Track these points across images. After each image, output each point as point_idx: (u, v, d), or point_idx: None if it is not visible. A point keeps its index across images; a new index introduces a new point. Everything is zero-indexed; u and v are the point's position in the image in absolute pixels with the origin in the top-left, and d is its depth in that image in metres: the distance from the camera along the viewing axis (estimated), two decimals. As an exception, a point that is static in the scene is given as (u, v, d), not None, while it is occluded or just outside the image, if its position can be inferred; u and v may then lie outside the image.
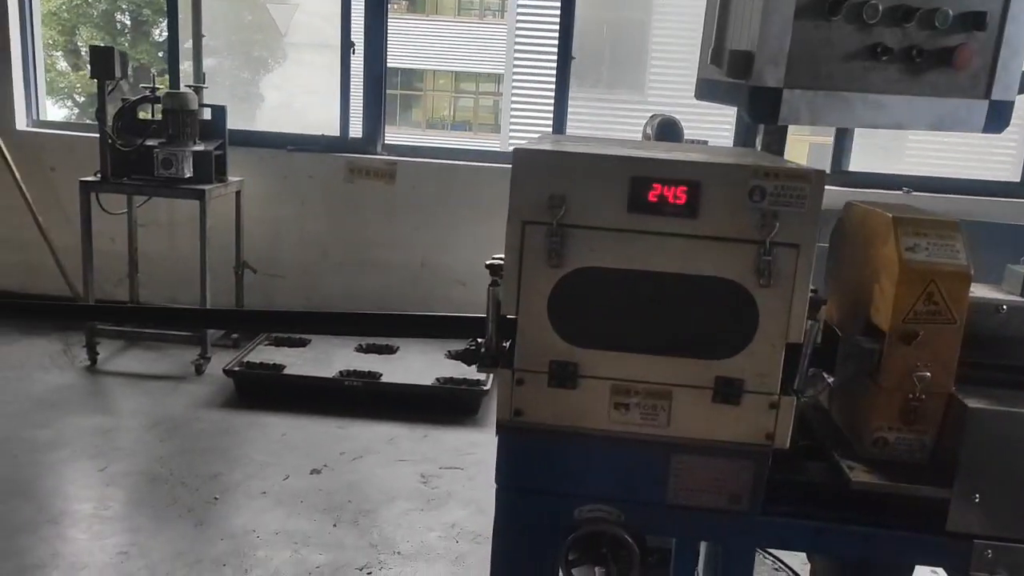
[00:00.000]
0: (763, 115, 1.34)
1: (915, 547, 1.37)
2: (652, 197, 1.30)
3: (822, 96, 1.33)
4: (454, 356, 4.59)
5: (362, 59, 5.36)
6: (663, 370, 1.35)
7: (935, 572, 1.62)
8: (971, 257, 1.36)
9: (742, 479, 1.37)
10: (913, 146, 6.89)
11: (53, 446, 3.75)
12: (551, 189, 1.32)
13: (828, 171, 5.17)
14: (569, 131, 5.48)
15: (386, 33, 5.33)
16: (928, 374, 1.36)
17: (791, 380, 1.38)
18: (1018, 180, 5.09)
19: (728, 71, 1.33)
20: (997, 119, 1.40)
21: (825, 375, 1.53)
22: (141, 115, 4.93)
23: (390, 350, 4.75)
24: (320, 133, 5.51)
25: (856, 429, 1.46)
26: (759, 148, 1.94)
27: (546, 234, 1.33)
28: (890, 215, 1.41)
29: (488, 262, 1.45)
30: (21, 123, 5.49)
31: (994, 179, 5.28)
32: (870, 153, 5.82)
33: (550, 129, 5.34)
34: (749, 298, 1.31)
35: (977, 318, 1.49)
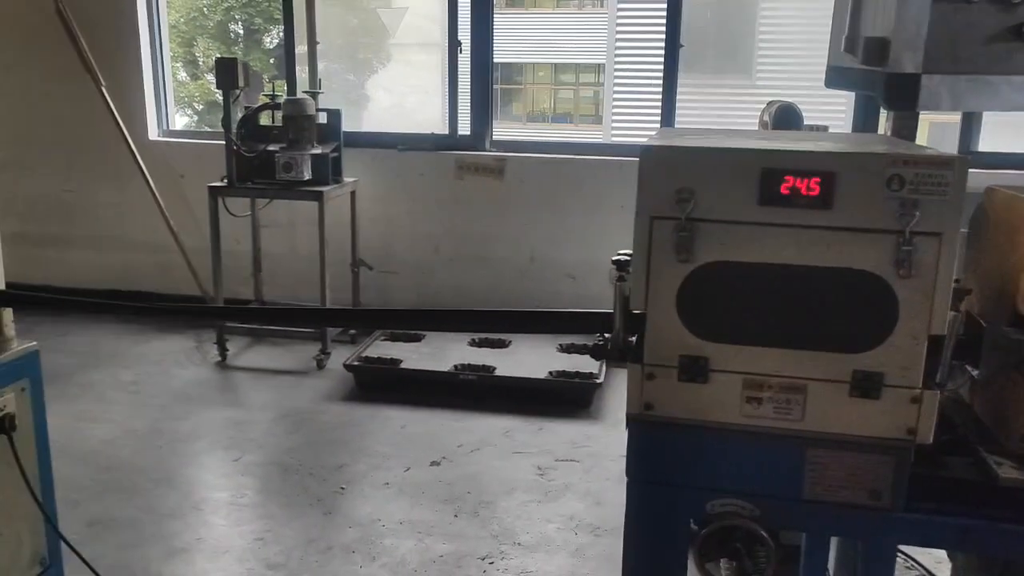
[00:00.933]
0: (901, 102, 1.30)
1: (1073, 547, 1.31)
2: (784, 189, 1.29)
3: (963, 80, 1.28)
4: (566, 349, 4.62)
5: (468, 57, 5.44)
6: (797, 364, 1.33)
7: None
8: None
9: (882, 475, 1.34)
10: (1045, 123, 6.46)
11: (192, 437, 3.98)
12: (679, 184, 1.32)
13: (956, 152, 4.93)
14: (677, 120, 5.41)
15: (492, 30, 5.39)
16: (1085, 366, 1.30)
17: (933, 373, 1.34)
18: None
19: (863, 58, 1.30)
20: None
21: (968, 367, 1.48)
22: (262, 121, 5.16)
23: (503, 344, 4.82)
24: (429, 132, 5.63)
25: (1003, 424, 1.40)
26: (887, 133, 1.88)
27: (674, 229, 1.33)
28: (1037, 201, 1.35)
29: (614, 257, 1.46)
30: (153, 133, 5.83)
31: None
32: (998, 132, 5.50)
33: (655, 118, 5.28)
34: (888, 290, 1.28)
35: None
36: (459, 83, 5.51)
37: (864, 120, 2.28)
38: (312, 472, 3.63)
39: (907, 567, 2.79)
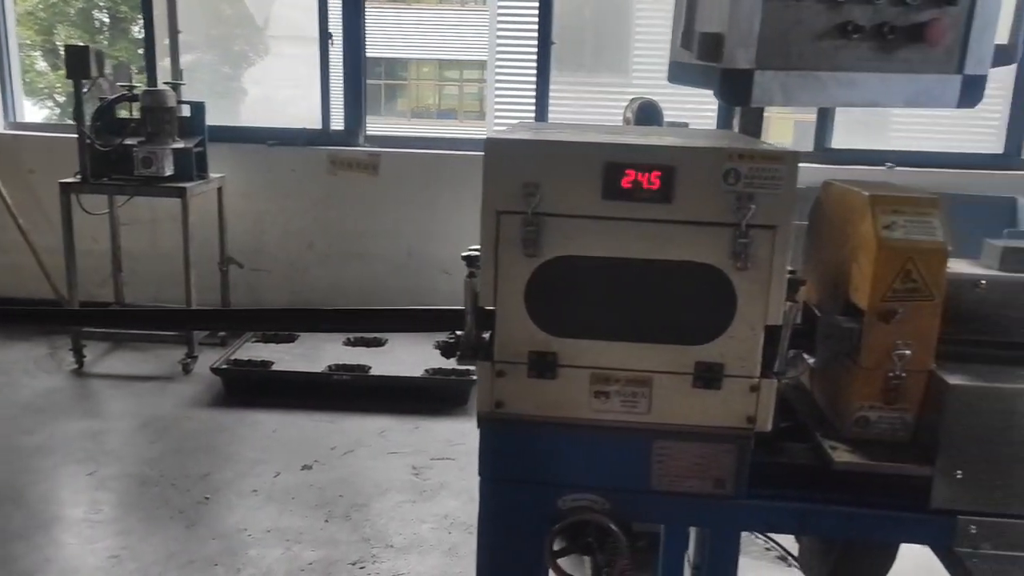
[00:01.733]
0: (735, 97, 1.33)
1: (899, 525, 1.37)
2: (626, 183, 1.29)
3: (794, 76, 1.32)
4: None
5: (341, 50, 5.32)
6: (642, 357, 1.34)
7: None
8: (948, 233, 1.35)
9: (725, 463, 1.37)
10: (897, 121, 6.88)
11: (42, 451, 3.72)
12: (524, 178, 1.31)
13: (812, 149, 5.18)
14: (552, 117, 5.45)
15: (363, 23, 5.29)
16: (908, 352, 1.36)
17: (771, 363, 1.38)
18: (1001, 152, 5.09)
19: (699, 54, 1.31)
20: (970, 93, 1.39)
21: (806, 356, 1.52)
22: (120, 114, 4.89)
23: (378, 343, 4.74)
24: (301, 127, 5.47)
25: (838, 409, 1.46)
26: (736, 130, 1.93)
27: (521, 223, 1.31)
28: (867, 194, 1.40)
29: (464, 253, 1.43)
30: (-2, 125, 5.44)
31: (978, 151, 5.28)
32: (853, 130, 5.81)
33: (533, 116, 5.31)
34: (727, 282, 1.30)
35: (956, 294, 1.48)
36: (332, 77, 5.38)
37: (727, 117, 2.34)
38: (174, 483, 3.46)
39: (766, 548, 2.90)
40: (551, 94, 5.34)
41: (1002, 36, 1.44)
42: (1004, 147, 5.09)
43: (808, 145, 5.19)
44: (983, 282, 1.50)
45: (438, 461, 3.68)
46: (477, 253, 1.38)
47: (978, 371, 1.38)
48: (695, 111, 5.53)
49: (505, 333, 1.36)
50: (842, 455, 1.37)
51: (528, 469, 1.41)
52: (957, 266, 1.56)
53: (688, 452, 1.37)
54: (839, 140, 5.21)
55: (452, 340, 1.47)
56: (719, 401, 1.34)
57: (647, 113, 2.94)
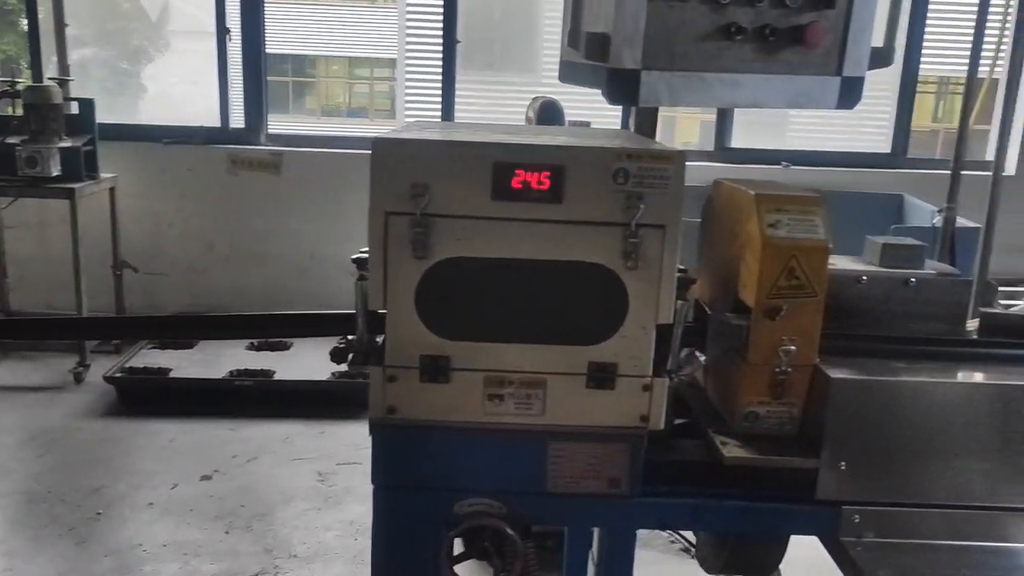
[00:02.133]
0: (623, 97, 1.33)
1: (788, 517, 1.40)
2: (516, 183, 1.28)
3: (680, 77, 1.33)
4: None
5: (239, 45, 5.17)
6: (536, 359, 1.33)
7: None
8: (830, 231, 1.39)
9: (620, 463, 1.37)
10: (794, 122, 7.10)
11: (-85, 470, 3.49)
12: (413, 178, 1.28)
13: (712, 148, 5.29)
14: (460, 115, 5.43)
15: (263, 17, 5.15)
16: (793, 348, 1.39)
17: (664, 361, 1.39)
18: (889, 151, 5.32)
19: (586, 53, 1.31)
20: (849, 95, 1.43)
21: (698, 354, 1.54)
22: (3, 112, 4.63)
23: (283, 346, 4.62)
24: (199, 124, 5.29)
25: (728, 405, 1.48)
26: (632, 129, 1.95)
27: (410, 225, 1.28)
28: (752, 192, 1.43)
29: (354, 256, 1.40)
30: None
31: (867, 151, 5.50)
32: (753, 130, 5.97)
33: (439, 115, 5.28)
34: (618, 281, 1.31)
35: (839, 289, 1.53)
36: (231, 73, 5.23)
37: (629, 116, 2.35)
38: (64, 498, 3.29)
39: (671, 541, 2.95)
40: (459, 93, 5.32)
41: (878, 39, 1.49)
42: (891, 147, 5.32)
43: (712, 144, 5.31)
44: (864, 278, 1.55)
45: (344, 466, 3.61)
46: (367, 255, 1.35)
47: (859, 365, 1.42)
48: (601, 110, 5.60)
49: (396, 337, 1.33)
50: (732, 450, 1.39)
51: (423, 475, 1.38)
52: (840, 262, 1.60)
53: (583, 453, 1.37)
54: (739, 140, 5.36)
55: (343, 345, 1.43)
56: (613, 401, 1.34)
57: (548, 112, 2.95)
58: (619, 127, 4.96)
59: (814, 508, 1.38)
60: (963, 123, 2.54)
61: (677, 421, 1.57)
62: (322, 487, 3.45)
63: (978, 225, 3.67)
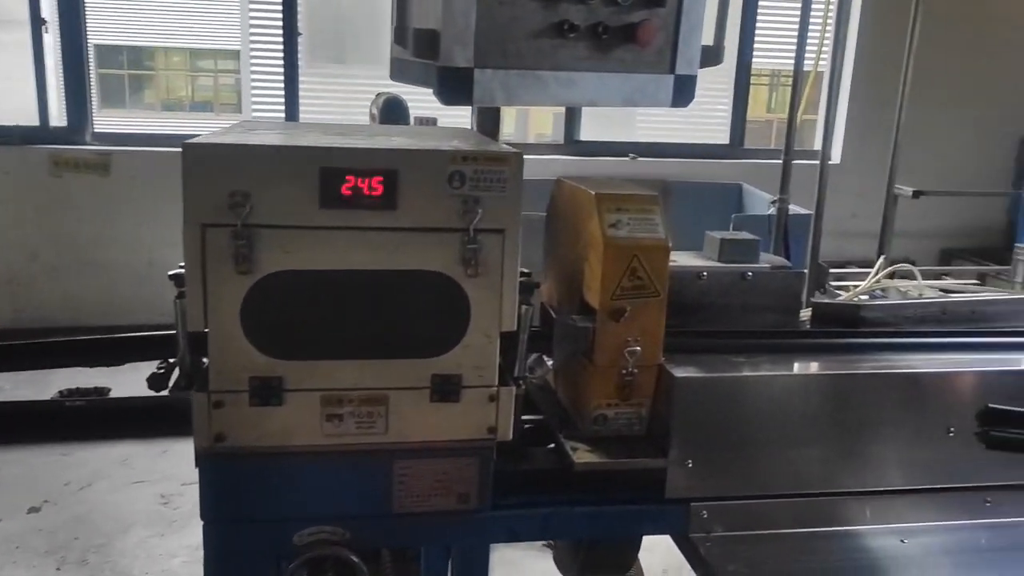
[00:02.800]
0: (456, 96, 1.27)
1: (638, 518, 1.40)
2: (345, 190, 1.20)
3: (515, 75, 1.28)
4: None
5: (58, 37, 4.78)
6: (376, 374, 1.26)
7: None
8: (669, 228, 1.39)
9: (468, 477, 1.32)
10: (642, 114, 7.28)
11: None
12: (231, 186, 1.18)
13: (562, 142, 5.34)
14: (306, 112, 5.25)
15: (83, 6, 4.77)
16: (638, 348, 1.38)
17: (510, 369, 1.35)
18: (727, 142, 5.55)
19: (414, 51, 1.25)
20: (683, 93, 1.43)
21: (546, 358, 1.52)
22: None
23: (120, 360, 4.30)
24: (15, 123, 4.85)
25: (578, 408, 1.46)
26: (475, 128, 1.90)
27: (230, 237, 1.18)
28: (593, 192, 1.41)
29: (171, 272, 1.28)
30: None
31: (708, 142, 5.72)
32: (603, 122, 6.07)
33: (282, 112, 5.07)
34: (458, 289, 1.25)
35: (680, 287, 1.54)
36: (50, 67, 4.82)
37: (484, 112, 2.28)
38: None
39: (544, 545, 2.93)
40: (307, 87, 5.14)
41: (708, 38, 1.50)
42: (729, 138, 5.55)
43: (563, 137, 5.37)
44: (705, 274, 1.57)
45: (189, 486, 3.39)
46: (184, 271, 1.23)
47: (702, 362, 1.43)
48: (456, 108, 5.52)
49: (221, 359, 1.22)
50: (583, 455, 1.37)
51: (258, 506, 1.28)
52: (681, 259, 1.62)
53: (430, 470, 1.31)
54: (589, 132, 5.44)
55: (162, 370, 1.31)
56: (459, 414, 1.29)
57: (392, 109, 2.86)
58: (469, 123, 4.93)
59: (663, 507, 1.38)
60: (791, 116, 2.65)
61: (528, 421, 1.55)
62: (166, 511, 3.23)
63: (809, 212, 3.88)
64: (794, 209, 3.48)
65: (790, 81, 2.91)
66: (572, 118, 5.24)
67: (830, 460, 1.43)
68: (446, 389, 1.28)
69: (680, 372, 1.37)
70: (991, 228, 5.84)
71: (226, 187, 1.17)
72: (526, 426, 1.52)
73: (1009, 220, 5.61)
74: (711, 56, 1.49)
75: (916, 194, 4.49)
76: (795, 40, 3.19)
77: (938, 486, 1.46)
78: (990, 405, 1.28)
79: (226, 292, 1.20)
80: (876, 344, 1.54)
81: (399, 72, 1.45)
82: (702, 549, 1.37)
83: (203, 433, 1.24)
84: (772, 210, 2.71)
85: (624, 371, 1.39)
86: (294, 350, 1.23)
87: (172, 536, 3.06)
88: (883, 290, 1.85)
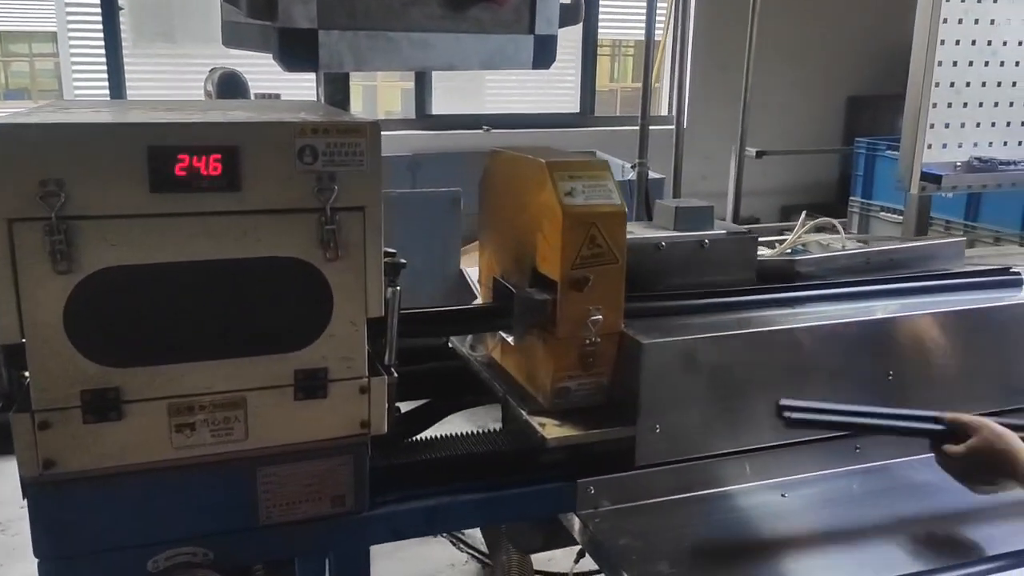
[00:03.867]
0: (299, 61, 1.15)
1: (525, 501, 1.34)
2: (179, 171, 1.06)
3: (364, 37, 1.17)
4: None
5: None
6: (230, 375, 1.13)
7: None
8: (622, 194, 1.34)
9: (342, 478, 1.22)
10: (491, 85, 7.22)
11: None
12: (41, 173, 1.01)
13: (414, 116, 5.21)
14: (134, 93, 4.87)
15: None
16: (600, 317, 1.33)
17: (380, 357, 1.25)
18: (578, 111, 5.58)
19: (248, 11, 1.11)
20: (543, 54, 1.37)
21: (504, 334, 1.44)
22: None
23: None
24: None
25: (538, 382, 1.40)
26: (322, 100, 1.77)
27: (44, 233, 1.02)
28: (544, 161, 1.33)
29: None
30: None
31: (559, 111, 5.72)
32: (452, 96, 5.95)
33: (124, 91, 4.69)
34: (318, 275, 1.14)
35: (640, 258, 1.49)
36: None
37: (332, 87, 2.13)
38: None
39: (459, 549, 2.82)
40: (134, 69, 4.76)
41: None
42: (579, 106, 5.58)
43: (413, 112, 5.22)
44: (663, 244, 1.53)
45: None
46: None
47: (662, 326, 1.39)
48: (296, 81, 5.29)
49: (43, 373, 1.06)
50: (552, 430, 1.32)
51: (102, 537, 1.13)
52: (636, 229, 1.58)
53: (299, 474, 1.20)
54: (440, 106, 5.32)
55: (-24, 389, 1.13)
56: (327, 410, 1.19)
57: (229, 85, 2.66)
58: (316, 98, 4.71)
59: (549, 487, 1.33)
60: (645, 82, 2.65)
61: (403, 413, 1.46)
62: (3, 538, 2.92)
63: (662, 176, 3.95)
64: (650, 174, 3.53)
65: (631, 52, 2.91)
66: (423, 91, 5.10)
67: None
68: (311, 385, 1.17)
69: (647, 338, 1.32)
70: (826, 184, 6.18)
71: (35, 175, 1.01)
72: (403, 413, 1.44)
73: (841, 175, 5.95)
74: (570, 15, 1.43)
75: (759, 154, 4.66)
76: (634, 11, 3.19)
77: (813, 437, 1.48)
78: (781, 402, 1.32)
79: (44, 296, 1.04)
80: (813, 296, 1.56)
81: (232, 37, 1.30)
82: (592, 526, 1.33)
83: (28, 461, 1.08)
84: (631, 175, 2.72)
85: (587, 341, 1.33)
86: (131, 356, 1.09)
87: (10, 566, 2.77)
88: (804, 244, 1.90)
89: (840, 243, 1.82)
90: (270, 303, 1.14)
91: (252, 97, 2.82)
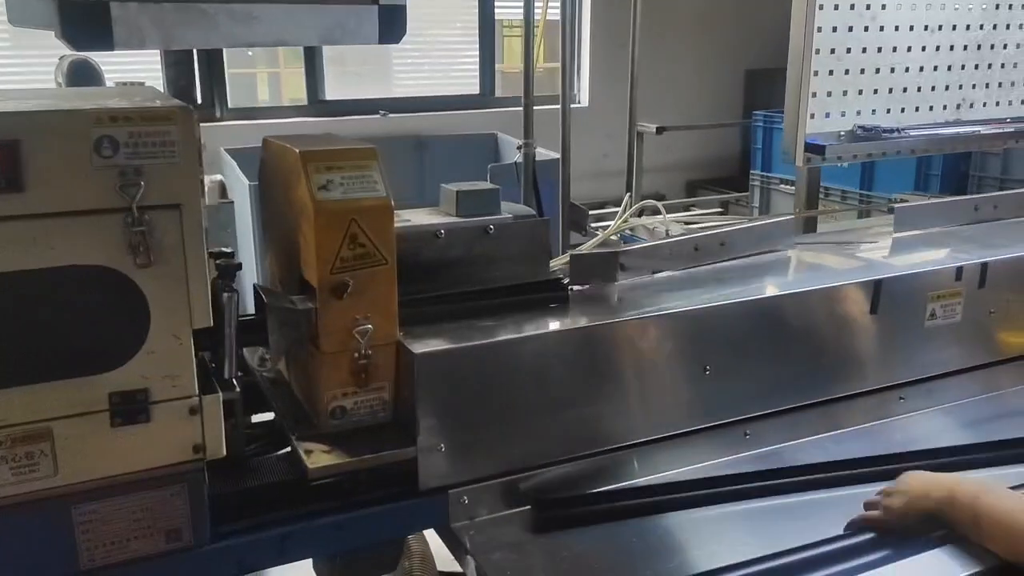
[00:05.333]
0: (89, 39, 1.00)
1: (392, 518, 1.22)
2: (-55, 170, 0.90)
3: (171, 10, 1.03)
4: None
5: None
6: (30, 404, 0.98)
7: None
8: (389, 185, 1.20)
9: (176, 509, 1.08)
10: (400, 68, 7.02)
11: None
12: None
13: (306, 102, 5.00)
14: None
15: None
16: (370, 326, 1.19)
17: (218, 371, 1.12)
18: (478, 92, 5.46)
19: (21, -21, 0.96)
20: (391, 27, 1.24)
21: (263, 350, 1.30)
22: None
23: None
24: None
25: (312, 402, 1.26)
26: (164, 88, 1.61)
27: None
28: (298, 150, 1.19)
29: None
30: None
31: (460, 93, 5.59)
32: (355, 80, 5.75)
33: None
34: (129, 285, 1.00)
35: (417, 248, 1.36)
36: None
37: (172, 69, 1.96)
38: None
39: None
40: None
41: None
42: (480, 88, 5.46)
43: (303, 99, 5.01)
44: (442, 232, 1.40)
45: None
46: None
47: (446, 331, 1.27)
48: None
49: None
50: (318, 458, 1.17)
51: None
52: (416, 217, 1.44)
53: (125, 509, 1.06)
54: (342, 91, 5.12)
55: None
56: (152, 436, 1.05)
57: (81, 74, 2.44)
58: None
59: (419, 501, 1.22)
60: (527, 62, 2.55)
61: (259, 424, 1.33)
62: None
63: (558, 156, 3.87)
64: (547, 154, 3.43)
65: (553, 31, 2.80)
66: (313, 76, 4.89)
67: (596, 418, 1.33)
68: (130, 409, 1.03)
69: (419, 347, 1.20)
70: (729, 158, 6.22)
71: None
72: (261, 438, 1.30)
73: (743, 149, 5.99)
74: (419, -17, 1.31)
75: (659, 130, 4.63)
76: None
77: (700, 427, 1.41)
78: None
79: None
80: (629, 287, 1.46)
81: (18, 14, 1.13)
82: (466, 539, 1.23)
83: None
84: (518, 157, 2.62)
85: (357, 354, 1.20)
86: None
87: None
88: (631, 229, 1.78)
89: (664, 228, 1.73)
90: (73, 319, 0.99)
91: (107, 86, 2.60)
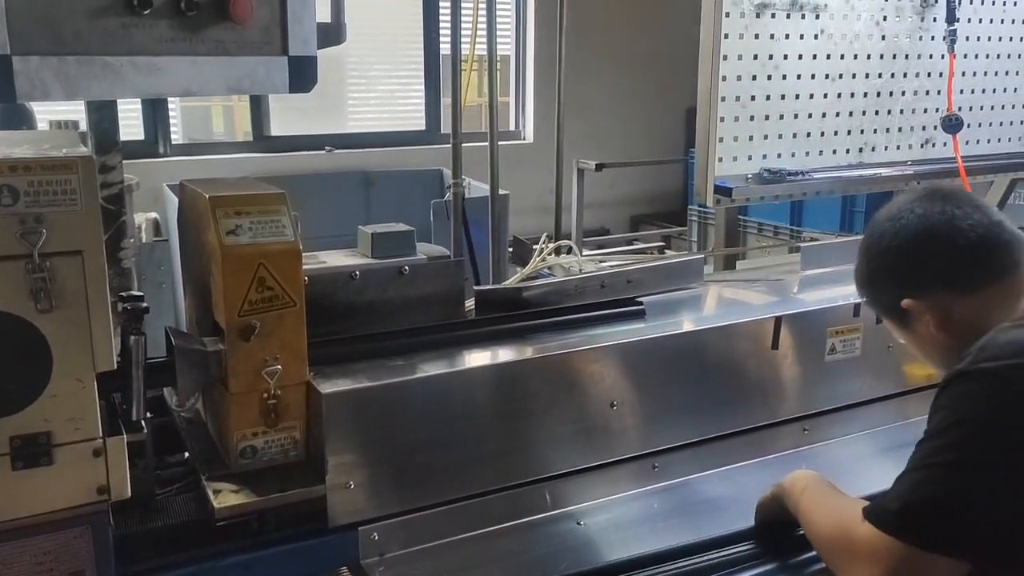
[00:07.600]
0: (-6, 92, 1.03)
1: (303, 556, 1.24)
2: None
3: (75, 63, 1.06)
4: None
5: None
6: (-73, 450, 0.99)
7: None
8: (297, 230, 1.24)
9: (80, 552, 1.09)
10: (354, 103, 7.05)
11: None
12: None
13: (252, 139, 5.00)
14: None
15: None
16: (279, 367, 1.22)
17: (126, 413, 1.14)
18: (424, 128, 5.52)
19: (-80, 35, 0.98)
20: (302, 76, 1.28)
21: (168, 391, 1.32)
22: None
23: None
24: None
25: (224, 442, 1.28)
26: (88, 129, 1.62)
27: None
28: (207, 195, 1.22)
29: None
30: None
31: (406, 130, 5.64)
32: (306, 116, 5.77)
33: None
34: (31, 330, 1.02)
35: (332, 290, 1.40)
36: None
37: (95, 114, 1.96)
38: None
39: None
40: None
41: (326, 15, 1.37)
42: (425, 124, 5.52)
43: (248, 135, 5.02)
44: (357, 273, 1.44)
45: None
46: None
47: (356, 371, 1.30)
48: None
49: None
50: (226, 498, 1.19)
51: None
52: (332, 259, 1.48)
53: (27, 552, 1.07)
54: (290, 127, 5.13)
55: None
56: (55, 478, 1.06)
57: (13, 116, 2.44)
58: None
59: (329, 538, 1.24)
60: (455, 98, 2.61)
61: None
62: None
63: (506, 192, 3.93)
64: (487, 191, 3.49)
65: (500, 67, 2.85)
66: (258, 112, 4.91)
67: (504, 453, 1.37)
68: (31, 452, 1.04)
69: (327, 387, 1.23)
70: (673, 193, 6.35)
71: None
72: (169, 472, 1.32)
73: (686, 185, 6.12)
74: (331, 34, 1.36)
75: (598, 167, 4.72)
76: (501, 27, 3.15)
77: (609, 460, 1.45)
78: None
79: None
80: (535, 326, 1.51)
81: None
82: (378, 574, 1.25)
83: None
84: (448, 196, 2.67)
85: (266, 394, 1.23)
86: None
87: None
88: (550, 268, 1.84)
89: (578, 266, 1.79)
90: (-25, 365, 1.00)
91: (44, 127, 2.60)
